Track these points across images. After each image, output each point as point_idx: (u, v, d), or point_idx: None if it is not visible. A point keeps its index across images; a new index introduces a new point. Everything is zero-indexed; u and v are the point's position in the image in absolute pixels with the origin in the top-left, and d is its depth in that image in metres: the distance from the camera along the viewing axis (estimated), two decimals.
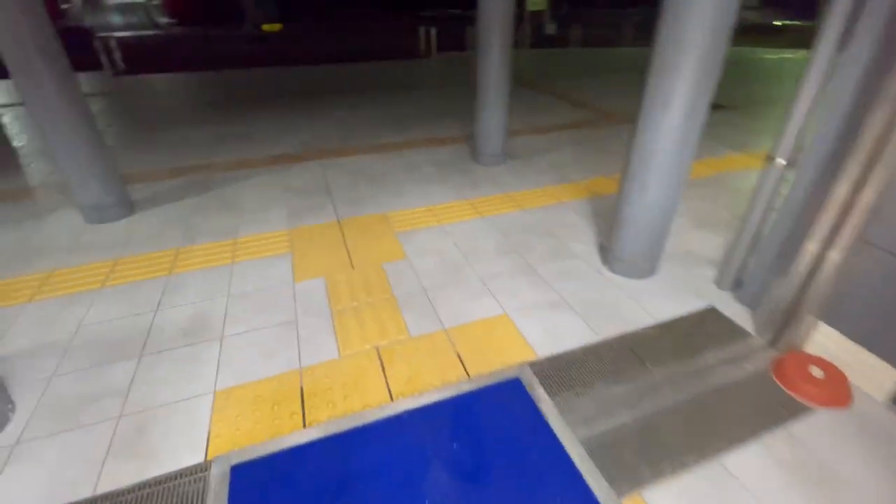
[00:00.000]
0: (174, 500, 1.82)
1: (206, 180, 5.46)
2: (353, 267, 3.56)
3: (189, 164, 6.00)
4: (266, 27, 33.40)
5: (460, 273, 3.44)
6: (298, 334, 2.83)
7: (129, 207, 4.56)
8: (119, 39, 15.49)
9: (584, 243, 3.90)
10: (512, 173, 5.59)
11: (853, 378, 2.46)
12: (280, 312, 3.05)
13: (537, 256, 3.68)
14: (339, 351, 2.68)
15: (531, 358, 2.60)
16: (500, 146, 5.82)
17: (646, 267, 3.40)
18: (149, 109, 8.86)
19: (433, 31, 15.91)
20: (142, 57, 16.57)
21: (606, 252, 3.61)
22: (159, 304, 3.11)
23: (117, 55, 13.19)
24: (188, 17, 41.03)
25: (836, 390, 2.39)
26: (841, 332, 2.52)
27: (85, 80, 11.74)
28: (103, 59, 12.92)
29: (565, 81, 11.21)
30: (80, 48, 12.57)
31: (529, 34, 18.00)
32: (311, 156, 6.32)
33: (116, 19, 39.89)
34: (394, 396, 2.32)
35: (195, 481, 1.90)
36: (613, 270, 3.49)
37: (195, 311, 3.06)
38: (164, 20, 41.52)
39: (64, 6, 37.12)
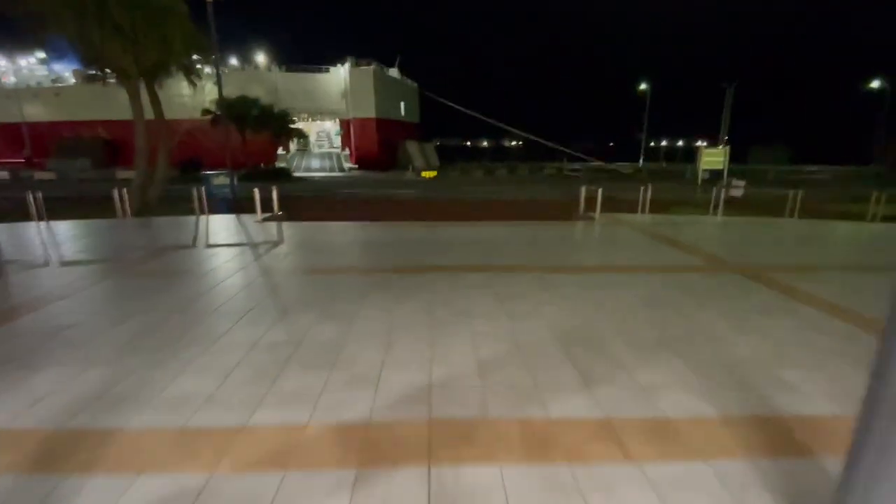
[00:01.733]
0: None
1: None
2: None
3: None
4: (425, 174, 38.21)
5: None
6: None
7: None
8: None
9: None
10: None
11: None
12: None
13: None
14: None
15: None
16: None
17: None
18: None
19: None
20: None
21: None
22: None
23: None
24: (366, 164, 49.75)
25: None
26: None
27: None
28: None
29: None
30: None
31: None
32: None
33: (315, 163, 49.96)
34: None
35: None
36: None
37: None
38: (348, 165, 50.83)
39: (280, 152, 48.34)
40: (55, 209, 12.18)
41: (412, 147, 54.35)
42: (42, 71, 50.94)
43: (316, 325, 4.38)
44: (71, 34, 9.96)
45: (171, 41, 11.16)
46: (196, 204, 10.85)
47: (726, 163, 17.61)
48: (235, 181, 15.72)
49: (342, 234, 9.66)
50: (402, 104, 58.04)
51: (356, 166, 50.39)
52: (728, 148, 17.67)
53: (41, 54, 47.76)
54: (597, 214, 12.00)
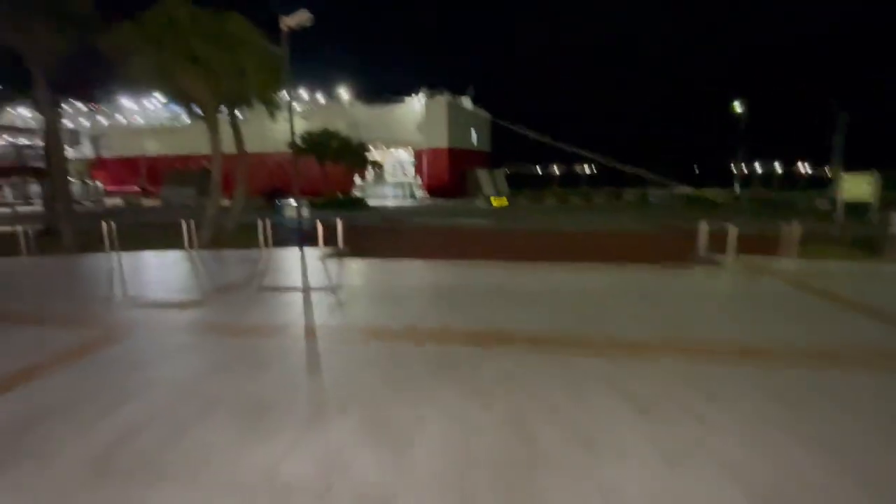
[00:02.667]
0: None
1: None
2: None
3: None
4: (495, 202, 36.78)
5: None
6: None
7: None
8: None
9: None
10: None
11: None
12: None
13: None
14: None
15: None
16: None
17: None
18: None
19: None
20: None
21: None
22: None
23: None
24: (437, 192, 49.56)
25: None
26: None
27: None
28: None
29: None
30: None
31: None
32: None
33: (389, 191, 50.69)
34: None
35: None
36: None
37: None
38: (420, 194, 50.99)
39: (357, 181, 49.65)
40: (139, 236, 12.25)
41: (482, 175, 53.48)
42: (165, 112, 57.36)
43: (356, 448, 2.88)
44: (151, 66, 9.93)
45: (247, 71, 10.88)
46: (261, 238, 10.17)
47: (875, 192, 13.98)
48: (309, 210, 15.25)
49: (408, 276, 8.29)
50: (474, 133, 57.80)
51: (427, 194, 50.39)
52: (877, 175, 14.00)
53: (163, 98, 53.60)
54: (727, 258, 9.24)
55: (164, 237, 11.67)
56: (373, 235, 16.55)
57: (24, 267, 9.47)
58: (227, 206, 13.95)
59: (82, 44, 10.30)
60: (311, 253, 10.10)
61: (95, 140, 61.37)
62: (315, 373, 4.06)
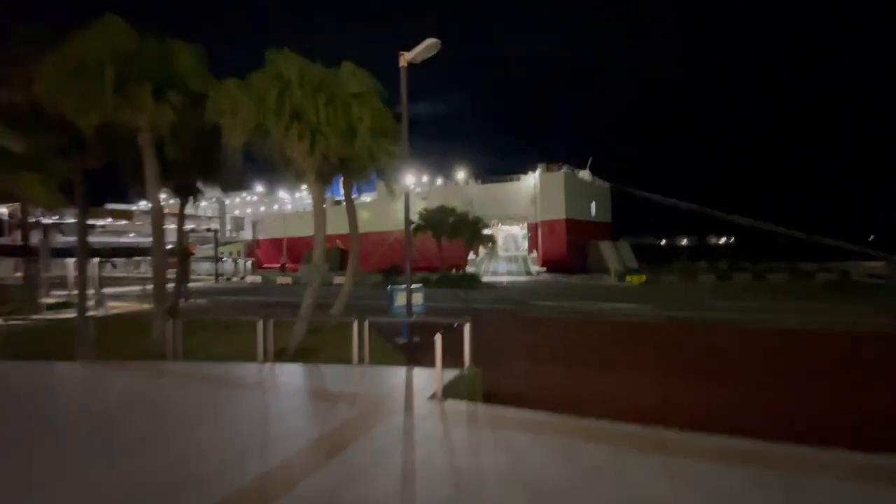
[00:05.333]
0: None
1: None
2: None
3: None
4: (631, 279, 30.71)
5: None
6: None
7: None
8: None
9: None
10: None
11: None
12: None
13: None
14: None
15: None
16: None
17: None
18: None
19: None
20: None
21: None
22: None
23: None
24: (554, 267, 44.49)
25: None
26: None
27: None
28: None
29: None
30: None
31: None
32: None
33: (502, 266, 47.16)
34: None
35: None
36: None
37: None
38: (535, 269, 46.47)
39: (471, 256, 47.24)
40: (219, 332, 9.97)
41: (605, 248, 47.35)
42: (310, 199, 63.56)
43: None
44: (248, 124, 7.99)
45: (358, 129, 8.51)
46: (355, 349, 6.88)
47: None
48: (423, 291, 12.01)
49: (585, 471, 3.99)
50: (593, 204, 52.82)
51: (544, 269, 45.63)
52: None
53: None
54: None
55: (242, 339, 8.77)
56: (504, 334, 12.51)
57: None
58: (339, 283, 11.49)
59: (190, 111, 8.91)
60: (425, 381, 6.16)
61: (255, 225, 70.13)
62: None
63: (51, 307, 17.19)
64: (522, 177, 51.56)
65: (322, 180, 9.60)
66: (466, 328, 6.27)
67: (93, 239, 41.26)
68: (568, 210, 47.36)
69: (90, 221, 42.90)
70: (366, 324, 6.87)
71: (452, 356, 6.02)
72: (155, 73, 8.89)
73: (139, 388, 6.21)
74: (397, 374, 6.49)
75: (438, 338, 5.46)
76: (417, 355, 7.68)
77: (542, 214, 48.10)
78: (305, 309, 9.78)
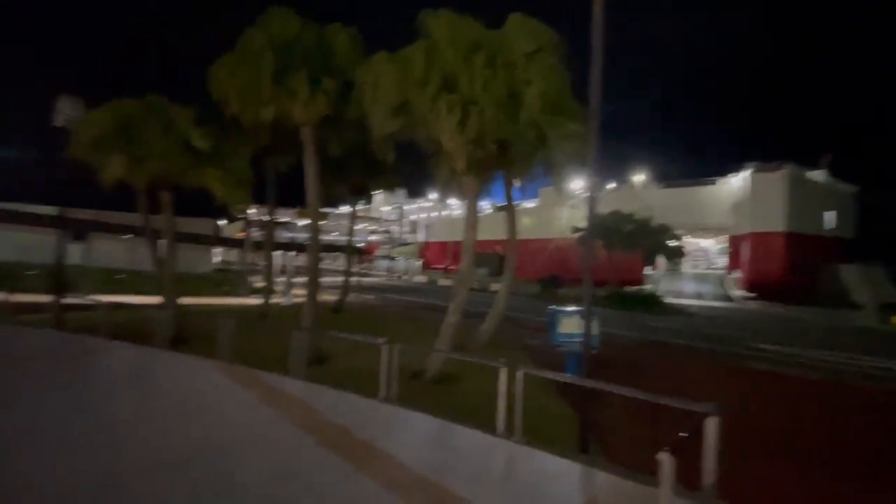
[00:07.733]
0: None
1: None
2: None
3: None
4: None
5: None
6: None
7: None
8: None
9: None
10: None
11: None
12: None
13: None
14: None
15: None
16: None
17: None
18: None
19: None
20: None
21: None
22: None
23: None
24: (766, 293, 33.83)
25: None
26: None
27: None
28: None
29: None
30: None
31: None
32: None
33: (689, 287, 38.42)
34: None
35: None
36: None
37: None
38: (737, 293, 36.40)
39: (647, 271, 39.81)
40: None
41: (851, 273, 34.17)
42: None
43: None
44: (392, 98, 6.40)
45: (524, 95, 6.12)
46: (501, 410, 4.48)
47: None
48: (597, 327, 8.92)
49: None
50: (827, 215, 38.96)
51: (751, 294, 35.25)
52: None
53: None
54: None
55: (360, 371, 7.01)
56: (726, 400, 8.08)
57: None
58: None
59: (347, 102, 7.93)
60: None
61: (427, 228, 75.02)
62: None
63: (254, 291, 20.02)
64: (720, 179, 41.59)
65: (475, 171, 7.52)
66: (711, 425, 3.16)
67: (298, 235, 49.29)
68: (790, 221, 35.85)
69: (293, 221, 51.34)
70: (519, 376, 4.35)
71: (648, 449, 2.97)
72: (312, 60, 8.18)
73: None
74: (566, 472, 3.76)
75: (667, 460, 2.56)
76: (597, 419, 4.79)
77: (750, 225, 37.55)
78: (446, 329, 7.84)
